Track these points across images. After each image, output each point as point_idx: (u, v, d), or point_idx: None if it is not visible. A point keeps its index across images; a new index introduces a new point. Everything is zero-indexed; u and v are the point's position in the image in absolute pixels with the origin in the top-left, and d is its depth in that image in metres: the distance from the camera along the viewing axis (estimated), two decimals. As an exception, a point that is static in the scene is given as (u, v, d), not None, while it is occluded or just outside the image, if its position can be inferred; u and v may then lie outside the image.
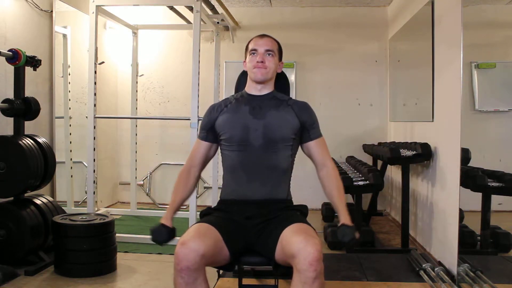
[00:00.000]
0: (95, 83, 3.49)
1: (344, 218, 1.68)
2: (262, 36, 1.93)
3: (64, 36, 3.93)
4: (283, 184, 1.86)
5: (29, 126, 3.04)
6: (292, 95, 4.58)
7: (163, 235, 1.69)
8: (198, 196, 3.72)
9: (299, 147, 1.94)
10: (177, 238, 1.67)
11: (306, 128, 1.89)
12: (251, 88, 1.94)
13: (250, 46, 1.91)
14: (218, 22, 4.29)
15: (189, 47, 3.50)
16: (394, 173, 4.37)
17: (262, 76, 1.87)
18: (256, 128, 1.83)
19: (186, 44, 4.66)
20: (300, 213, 1.83)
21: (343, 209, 1.72)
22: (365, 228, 3.40)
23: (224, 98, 2.03)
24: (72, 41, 3.98)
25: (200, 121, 3.35)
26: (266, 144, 1.82)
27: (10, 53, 2.82)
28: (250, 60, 1.89)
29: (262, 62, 1.86)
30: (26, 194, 2.93)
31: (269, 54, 1.88)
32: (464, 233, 2.97)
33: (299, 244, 1.48)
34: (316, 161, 1.89)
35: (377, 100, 4.80)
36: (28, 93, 2.97)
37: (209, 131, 1.92)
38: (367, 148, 4.44)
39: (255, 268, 2.62)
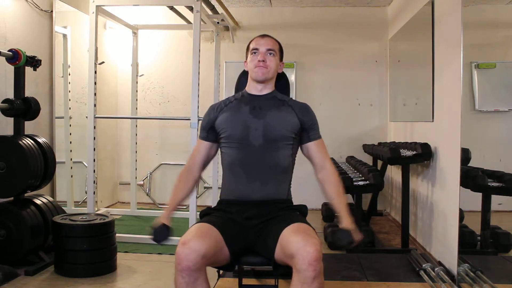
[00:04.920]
0: (95, 83, 3.49)
1: (344, 220, 1.68)
2: (264, 36, 1.94)
3: (64, 36, 3.93)
4: (283, 183, 1.86)
5: (29, 126, 3.04)
6: (292, 95, 4.58)
7: (165, 235, 1.71)
8: (198, 196, 3.72)
9: (299, 148, 1.93)
10: (175, 237, 1.67)
11: (306, 129, 1.89)
12: (252, 88, 1.94)
13: (252, 46, 1.92)
14: (218, 22, 4.29)
15: (189, 47, 3.50)
16: (394, 173, 4.37)
17: (263, 75, 1.88)
18: (256, 127, 1.83)
19: (186, 44, 4.66)
20: (299, 213, 1.83)
21: (344, 211, 1.72)
22: (365, 228, 3.40)
23: (224, 99, 2.03)
24: (72, 41, 3.98)
25: (200, 121, 3.38)
26: (266, 144, 1.81)
27: (10, 53, 2.82)
28: (252, 59, 1.90)
29: (263, 61, 1.86)
30: (26, 194, 2.93)
31: (270, 54, 1.89)
32: (464, 233, 2.96)
33: (298, 244, 1.48)
34: (315, 163, 1.89)
35: (377, 100, 4.80)
36: (28, 93, 2.96)
37: (210, 130, 1.92)
38: (367, 148, 4.44)
39: (255, 268, 2.62)
